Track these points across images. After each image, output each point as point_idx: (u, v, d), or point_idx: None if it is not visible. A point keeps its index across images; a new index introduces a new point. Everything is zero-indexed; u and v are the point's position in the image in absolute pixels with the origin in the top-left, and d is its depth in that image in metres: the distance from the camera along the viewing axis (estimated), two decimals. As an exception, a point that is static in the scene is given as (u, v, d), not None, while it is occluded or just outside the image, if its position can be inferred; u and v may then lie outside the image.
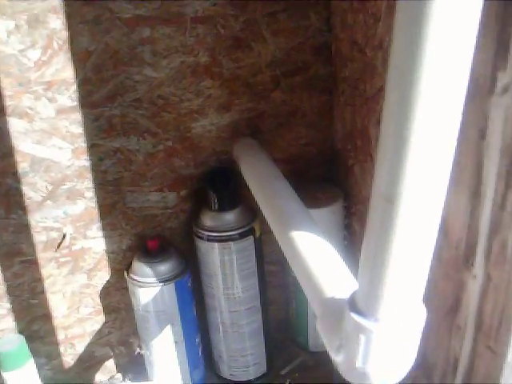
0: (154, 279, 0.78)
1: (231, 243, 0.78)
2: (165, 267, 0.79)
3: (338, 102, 0.83)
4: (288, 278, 0.89)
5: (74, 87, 0.71)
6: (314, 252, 0.52)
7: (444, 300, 0.58)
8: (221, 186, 0.79)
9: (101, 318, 0.87)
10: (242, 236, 0.79)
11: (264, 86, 0.80)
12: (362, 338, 0.38)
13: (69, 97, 0.71)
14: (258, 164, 0.75)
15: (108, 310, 0.87)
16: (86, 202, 0.79)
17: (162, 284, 0.78)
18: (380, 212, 0.33)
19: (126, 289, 0.83)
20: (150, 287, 0.78)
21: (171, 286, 0.79)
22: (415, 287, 0.37)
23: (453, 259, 0.55)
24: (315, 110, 0.84)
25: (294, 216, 0.59)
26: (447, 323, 0.58)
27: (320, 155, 0.88)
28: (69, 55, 0.69)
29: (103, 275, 0.85)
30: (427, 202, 0.32)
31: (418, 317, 0.38)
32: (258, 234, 0.81)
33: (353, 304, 0.39)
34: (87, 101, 0.73)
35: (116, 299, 0.87)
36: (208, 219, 0.80)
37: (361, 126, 0.78)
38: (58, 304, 0.83)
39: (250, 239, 0.80)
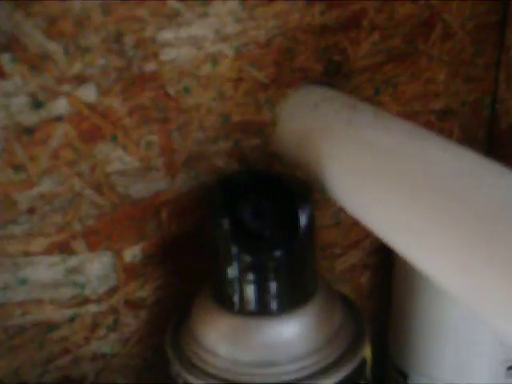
0: None
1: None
2: None
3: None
4: None
5: None
6: None
7: None
8: (262, 232, 0.25)
9: None
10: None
11: None
12: None
13: None
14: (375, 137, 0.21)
15: None
16: None
17: None
18: None
19: None
20: None
21: None
22: None
23: None
24: (469, 26, 0.33)
25: None
26: None
27: (472, 133, 0.36)
28: None
29: None
30: None
31: None
32: (369, 368, 0.27)
33: None
34: None
35: None
36: (226, 346, 0.24)
37: None
38: None
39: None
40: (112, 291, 0.29)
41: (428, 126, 0.34)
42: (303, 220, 0.23)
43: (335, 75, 0.29)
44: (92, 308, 0.29)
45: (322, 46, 0.28)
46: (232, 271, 0.24)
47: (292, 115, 0.27)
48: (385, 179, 0.21)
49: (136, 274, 0.29)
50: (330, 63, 0.29)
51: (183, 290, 0.31)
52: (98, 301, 0.29)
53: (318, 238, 0.33)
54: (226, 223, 0.23)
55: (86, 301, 0.29)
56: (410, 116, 0.33)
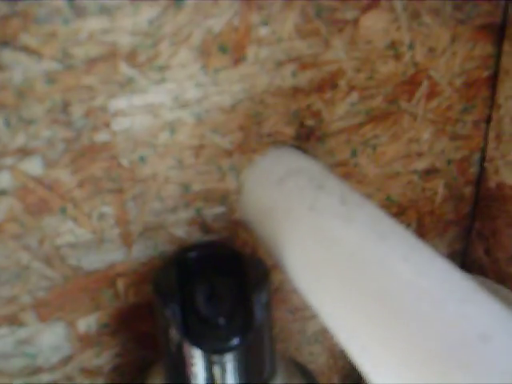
0: None
1: None
2: None
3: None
4: None
5: None
6: None
7: None
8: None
9: None
10: None
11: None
12: None
13: None
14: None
15: None
16: None
17: None
18: None
19: None
20: None
21: None
22: None
23: None
24: (458, 82, 0.31)
25: None
26: None
27: (458, 192, 0.34)
28: None
29: None
30: None
31: None
32: None
33: None
34: None
35: None
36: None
37: None
38: None
39: None
40: (66, 360, 0.28)
41: (410, 186, 0.32)
42: (258, 311, 0.22)
43: (307, 139, 0.27)
44: (45, 377, 0.28)
45: (293, 109, 0.26)
46: (183, 363, 0.22)
47: (258, 184, 0.26)
48: (338, 282, 0.19)
49: (91, 342, 0.28)
50: (302, 127, 0.27)
51: (142, 355, 0.29)
52: (51, 369, 0.27)
53: (289, 302, 0.32)
54: (174, 313, 0.22)
55: (38, 370, 0.27)
56: (390, 177, 0.31)
